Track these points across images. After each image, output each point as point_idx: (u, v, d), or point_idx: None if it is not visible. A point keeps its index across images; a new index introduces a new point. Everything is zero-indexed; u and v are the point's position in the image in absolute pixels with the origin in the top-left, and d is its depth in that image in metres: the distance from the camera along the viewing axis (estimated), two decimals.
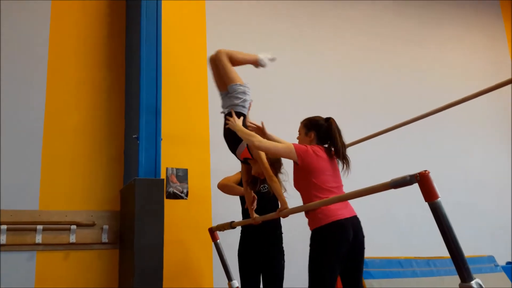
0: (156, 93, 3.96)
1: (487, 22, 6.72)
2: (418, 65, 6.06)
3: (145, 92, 3.93)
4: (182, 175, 4.32)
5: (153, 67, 3.98)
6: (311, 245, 2.75)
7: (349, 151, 2.95)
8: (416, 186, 2.14)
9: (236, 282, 3.74)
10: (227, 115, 3.05)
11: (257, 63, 3.29)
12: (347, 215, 2.73)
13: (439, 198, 1.95)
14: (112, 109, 4.50)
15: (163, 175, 4.18)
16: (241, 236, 3.66)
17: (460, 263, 1.91)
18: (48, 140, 4.19)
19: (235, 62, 3.18)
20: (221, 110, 3.17)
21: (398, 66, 5.92)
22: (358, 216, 2.81)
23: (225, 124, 3.06)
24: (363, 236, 2.80)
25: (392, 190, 2.18)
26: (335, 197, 2.63)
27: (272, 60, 3.31)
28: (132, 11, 4.59)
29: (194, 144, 4.55)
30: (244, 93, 3.08)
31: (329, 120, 2.90)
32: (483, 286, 1.87)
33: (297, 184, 2.88)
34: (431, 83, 6.04)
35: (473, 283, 1.88)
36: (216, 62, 3.18)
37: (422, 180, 1.94)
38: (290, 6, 5.47)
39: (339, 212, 2.70)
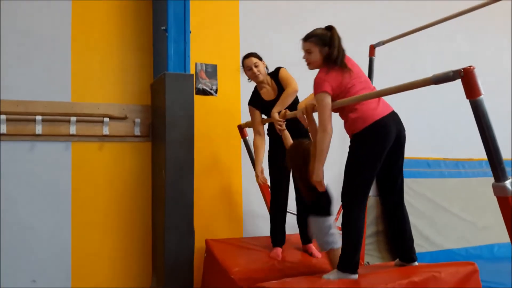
0: None
1: None
2: None
3: None
4: (212, 71, 4.25)
5: None
6: (350, 150, 2.67)
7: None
8: (452, 85, 2.06)
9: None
10: None
11: None
12: (385, 112, 2.64)
13: (481, 96, 1.88)
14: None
15: (192, 70, 4.12)
16: (269, 140, 3.67)
17: (496, 162, 1.88)
18: (77, 34, 4.13)
19: None
20: None
21: None
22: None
23: None
24: (404, 130, 2.72)
25: (427, 88, 2.11)
26: (372, 93, 2.52)
27: None
28: None
29: (223, 39, 4.42)
30: None
31: (331, 30, 2.71)
32: None
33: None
34: None
35: (507, 183, 1.87)
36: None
37: (466, 76, 1.85)
38: None
39: (375, 112, 2.60)
